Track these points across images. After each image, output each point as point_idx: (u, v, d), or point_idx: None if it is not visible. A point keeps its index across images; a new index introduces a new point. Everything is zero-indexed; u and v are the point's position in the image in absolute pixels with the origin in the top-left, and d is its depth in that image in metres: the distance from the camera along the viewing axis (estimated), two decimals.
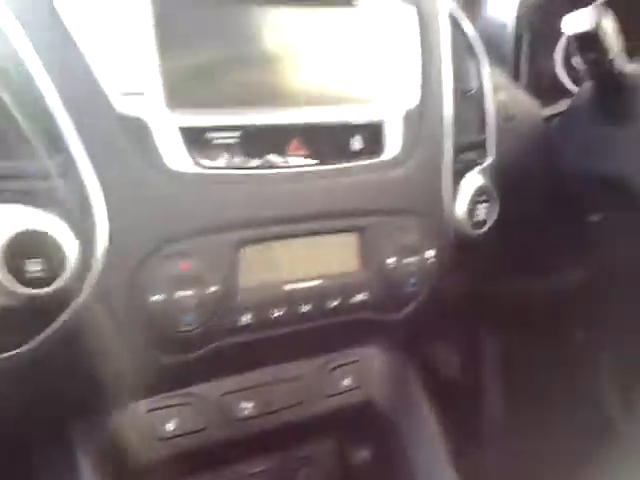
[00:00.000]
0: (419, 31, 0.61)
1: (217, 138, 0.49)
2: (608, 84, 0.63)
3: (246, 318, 0.50)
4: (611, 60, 0.60)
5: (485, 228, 0.62)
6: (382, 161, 0.55)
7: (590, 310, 1.00)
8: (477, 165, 0.63)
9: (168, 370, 0.52)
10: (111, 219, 0.45)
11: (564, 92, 0.82)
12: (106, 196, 0.45)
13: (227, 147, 0.49)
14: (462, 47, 0.66)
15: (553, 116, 0.75)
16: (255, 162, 0.51)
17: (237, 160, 0.50)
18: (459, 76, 0.64)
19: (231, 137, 0.49)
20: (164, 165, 0.47)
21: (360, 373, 0.67)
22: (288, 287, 0.52)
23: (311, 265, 0.53)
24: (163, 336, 0.48)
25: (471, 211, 0.61)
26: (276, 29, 0.54)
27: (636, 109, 0.65)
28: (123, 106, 0.46)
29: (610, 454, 0.97)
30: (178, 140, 0.47)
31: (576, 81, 0.82)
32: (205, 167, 0.48)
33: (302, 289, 0.52)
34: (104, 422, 0.56)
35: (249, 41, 0.52)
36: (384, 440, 0.70)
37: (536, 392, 1.05)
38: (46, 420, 0.55)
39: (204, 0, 0.51)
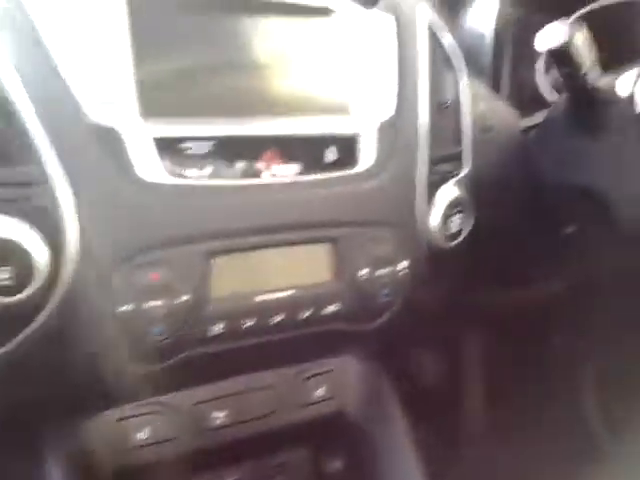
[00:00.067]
0: (397, 42, 0.61)
1: (190, 148, 0.49)
2: (582, 98, 0.64)
3: (217, 328, 0.50)
4: (584, 74, 0.60)
5: (459, 239, 0.63)
6: (356, 173, 0.55)
7: (570, 320, 1.01)
8: (452, 177, 0.63)
9: (139, 379, 0.51)
10: (82, 228, 0.45)
11: (545, 103, 0.83)
12: (77, 205, 0.45)
13: (200, 157, 0.49)
14: (440, 58, 0.66)
15: (531, 127, 0.76)
16: (228, 173, 0.51)
17: (210, 170, 0.50)
18: (436, 88, 0.64)
19: (205, 147, 0.49)
20: (136, 175, 0.47)
21: (334, 383, 0.67)
22: (260, 297, 0.52)
23: (283, 275, 0.53)
24: (132, 346, 0.47)
25: (445, 222, 0.61)
26: (252, 38, 0.54)
27: (609, 123, 0.66)
28: (96, 116, 0.46)
29: (592, 462, 0.98)
30: (151, 150, 0.47)
31: (559, 91, 0.82)
32: (178, 177, 0.48)
33: (274, 299, 0.52)
34: (75, 430, 0.56)
35: (224, 50, 0.53)
36: (357, 449, 0.70)
37: (517, 400, 1.06)
38: (16, 427, 0.55)
39: (180, 9, 0.51)
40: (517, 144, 0.73)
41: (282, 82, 0.55)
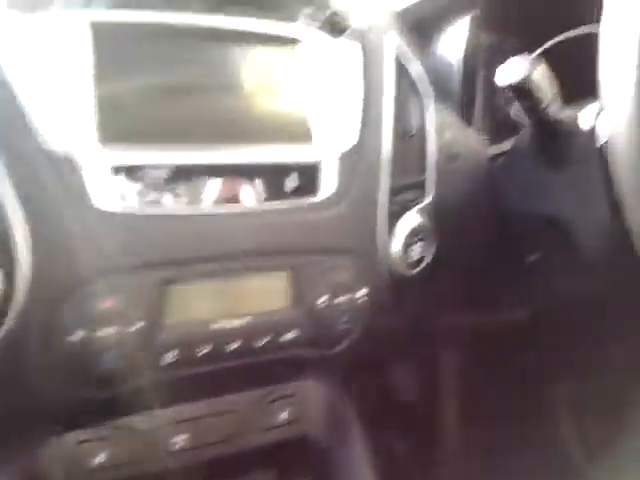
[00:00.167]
0: (362, 71, 0.62)
1: (148, 176, 0.49)
2: (544, 130, 0.65)
3: (171, 355, 0.51)
4: (545, 108, 0.61)
5: (421, 267, 0.63)
6: (316, 201, 0.56)
7: (541, 342, 1.02)
8: (415, 205, 0.64)
9: (94, 404, 0.52)
10: (34, 254, 0.45)
11: (516, 129, 0.84)
12: (30, 231, 0.45)
13: (158, 185, 0.50)
14: (407, 87, 0.67)
15: (498, 155, 0.77)
16: (185, 201, 0.51)
17: (167, 198, 0.50)
18: (402, 116, 0.65)
19: (162, 175, 0.50)
20: (91, 202, 0.47)
21: (298, 407, 0.68)
22: (215, 325, 0.52)
23: (240, 303, 0.53)
24: (83, 373, 0.48)
25: (406, 250, 0.62)
26: (214, 67, 0.55)
27: (571, 154, 0.67)
28: (53, 142, 0.46)
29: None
30: (107, 177, 0.48)
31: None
32: (133, 205, 0.49)
33: (230, 327, 0.53)
34: (31, 453, 0.56)
35: (186, 78, 0.53)
36: (320, 473, 0.71)
37: (490, 421, 1.06)
38: None
39: (143, 37, 0.52)
40: (484, 172, 0.74)
41: (244, 110, 0.55)
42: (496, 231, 0.76)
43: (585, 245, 0.68)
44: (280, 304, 0.55)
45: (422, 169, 0.67)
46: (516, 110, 0.67)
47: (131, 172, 0.49)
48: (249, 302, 0.54)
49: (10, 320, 0.45)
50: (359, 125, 0.60)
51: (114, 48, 0.49)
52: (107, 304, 0.47)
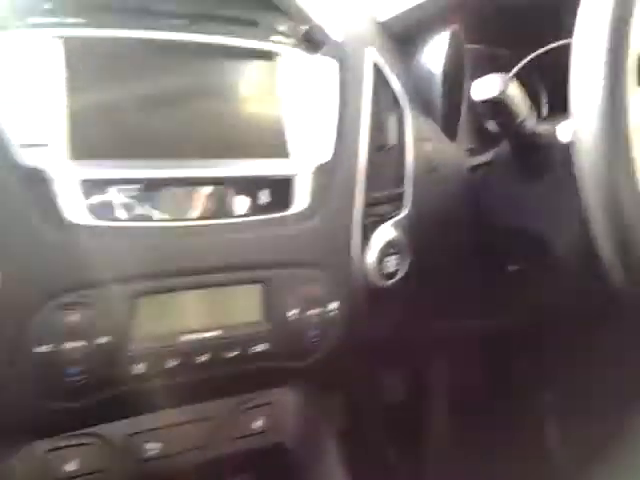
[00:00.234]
0: (339, 86, 0.62)
1: (118, 190, 0.50)
2: (521, 143, 0.65)
3: (138, 368, 0.51)
4: (521, 122, 0.62)
5: (396, 279, 0.64)
6: (289, 215, 0.57)
7: (526, 351, 1.03)
8: (391, 218, 0.64)
9: (63, 414, 0.52)
10: (3, 266, 0.46)
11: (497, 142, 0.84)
12: (1, 244, 0.45)
13: (128, 200, 0.50)
14: (386, 100, 0.68)
15: (479, 166, 0.77)
16: (156, 215, 0.51)
17: (137, 213, 0.51)
18: (379, 130, 0.66)
19: (133, 189, 0.50)
20: (61, 216, 0.48)
21: (272, 415, 0.68)
22: (184, 338, 0.52)
23: (210, 316, 0.54)
24: (50, 385, 0.48)
25: (380, 263, 0.62)
26: (188, 80, 0.55)
27: (550, 167, 0.67)
28: (24, 156, 0.47)
29: None
30: (77, 192, 0.48)
31: None
32: (103, 219, 0.49)
33: (199, 340, 0.53)
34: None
35: (159, 92, 0.54)
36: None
37: (475, 431, 1.07)
38: None
39: (116, 52, 0.52)
40: (463, 184, 0.74)
41: (217, 124, 0.56)
42: (476, 241, 0.76)
43: (563, 257, 0.68)
44: (251, 317, 0.55)
45: (399, 182, 0.67)
46: (493, 124, 0.67)
47: (101, 186, 0.49)
48: (219, 315, 0.54)
49: None
50: (334, 139, 0.60)
51: (86, 63, 0.50)
52: (75, 317, 0.48)
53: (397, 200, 0.66)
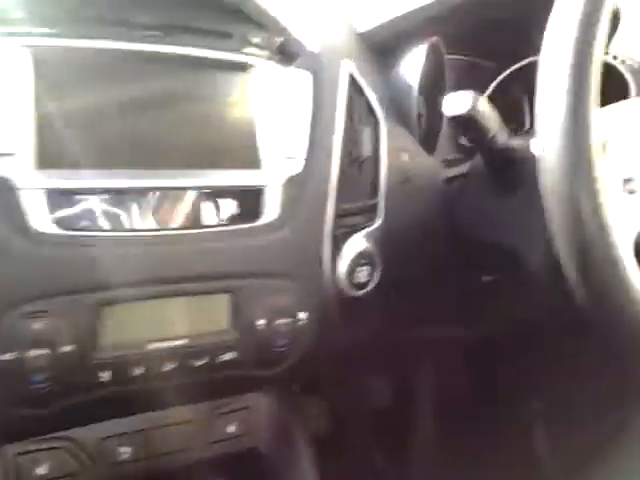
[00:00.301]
0: (312, 98, 0.63)
1: (85, 200, 0.50)
2: (493, 158, 0.66)
3: (104, 376, 0.52)
4: (492, 138, 0.62)
5: (367, 289, 0.64)
6: (258, 226, 0.57)
7: (510, 359, 1.03)
8: (363, 229, 0.65)
9: (31, 420, 0.53)
10: None
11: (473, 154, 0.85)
12: None
13: (94, 209, 0.51)
14: (361, 112, 0.68)
15: (454, 178, 0.78)
16: (123, 224, 0.52)
17: (104, 223, 0.51)
18: (354, 141, 0.67)
19: (100, 199, 0.51)
20: (27, 226, 0.48)
21: (247, 420, 0.69)
22: (151, 346, 0.53)
23: (178, 324, 0.55)
24: (15, 392, 0.49)
25: (351, 274, 0.63)
26: (160, 91, 0.56)
27: (523, 180, 0.68)
28: None
29: None
30: (44, 201, 0.49)
31: None
32: (70, 229, 0.50)
33: (165, 348, 0.54)
34: None
35: (129, 102, 0.54)
36: None
37: (462, 438, 1.08)
38: None
39: (85, 62, 0.53)
40: (438, 195, 0.75)
41: (188, 134, 0.56)
42: (450, 253, 0.77)
43: (534, 272, 0.69)
44: (219, 326, 0.56)
45: (373, 193, 0.68)
46: (465, 139, 0.68)
47: (68, 196, 0.50)
48: (187, 323, 0.55)
49: None
50: (306, 151, 0.61)
51: (55, 73, 0.50)
52: (40, 325, 0.48)
53: (370, 211, 0.66)
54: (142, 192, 0.52)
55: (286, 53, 0.63)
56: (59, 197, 0.49)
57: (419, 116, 0.76)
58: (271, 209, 0.58)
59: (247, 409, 0.69)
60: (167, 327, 0.54)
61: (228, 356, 0.56)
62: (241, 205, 0.57)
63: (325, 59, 0.66)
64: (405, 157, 0.73)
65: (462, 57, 0.95)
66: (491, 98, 0.86)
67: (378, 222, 0.66)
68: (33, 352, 0.48)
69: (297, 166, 0.60)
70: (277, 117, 0.61)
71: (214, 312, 0.56)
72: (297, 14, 0.68)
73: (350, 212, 0.64)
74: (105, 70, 0.53)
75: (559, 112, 0.48)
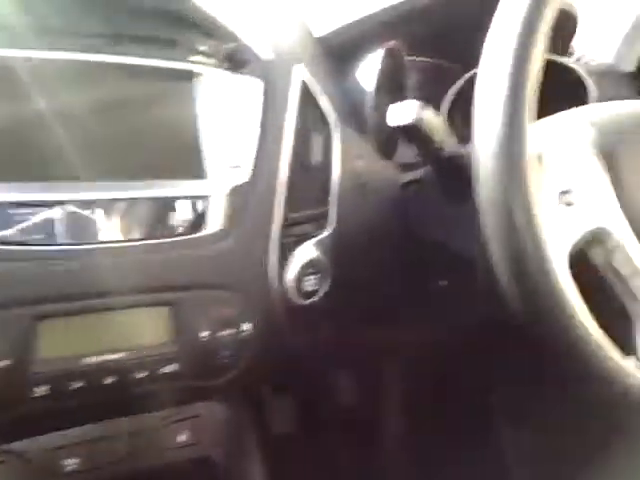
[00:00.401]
0: (262, 105, 0.63)
1: (21, 214, 0.50)
2: (442, 167, 0.66)
3: (41, 390, 0.51)
4: (439, 146, 0.62)
5: (316, 298, 0.64)
6: (200, 237, 0.57)
7: (472, 358, 1.04)
8: (312, 237, 0.65)
9: None
10: None
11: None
12: None
13: (28, 222, 0.50)
14: (314, 119, 0.68)
15: (410, 183, 0.78)
16: (61, 238, 0.52)
17: (40, 236, 0.51)
18: (305, 149, 0.66)
19: (36, 212, 0.50)
20: None
21: (198, 429, 0.69)
22: (89, 360, 0.53)
23: (117, 338, 0.54)
24: None
25: (299, 283, 0.62)
26: (101, 100, 0.55)
27: (471, 187, 0.68)
28: None
29: None
30: None
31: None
32: (3, 243, 0.49)
33: (104, 361, 0.53)
34: None
35: (71, 112, 0.53)
36: None
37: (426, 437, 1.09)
38: None
39: (25, 70, 0.52)
40: (394, 201, 0.75)
41: (128, 145, 0.56)
42: (406, 259, 0.77)
43: (486, 277, 0.69)
44: (160, 338, 0.56)
45: (324, 201, 0.67)
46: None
47: (2, 209, 0.49)
48: (127, 337, 0.55)
49: None
50: (254, 159, 0.61)
51: None
52: None
53: (320, 219, 0.66)
54: (81, 205, 0.52)
55: (235, 60, 0.63)
56: None
57: (373, 122, 0.75)
58: (215, 219, 0.58)
59: (198, 418, 0.68)
60: (105, 341, 0.54)
61: (170, 368, 0.56)
62: (183, 216, 0.56)
63: (276, 65, 0.66)
64: (360, 163, 0.72)
65: (428, 59, 0.94)
66: (455, 100, 0.87)
67: (329, 230, 0.66)
68: None
69: (243, 175, 0.60)
70: (225, 125, 0.61)
71: (155, 324, 0.56)
72: (249, 20, 0.67)
73: (299, 220, 0.64)
74: (46, 80, 0.52)
75: (494, 123, 0.48)
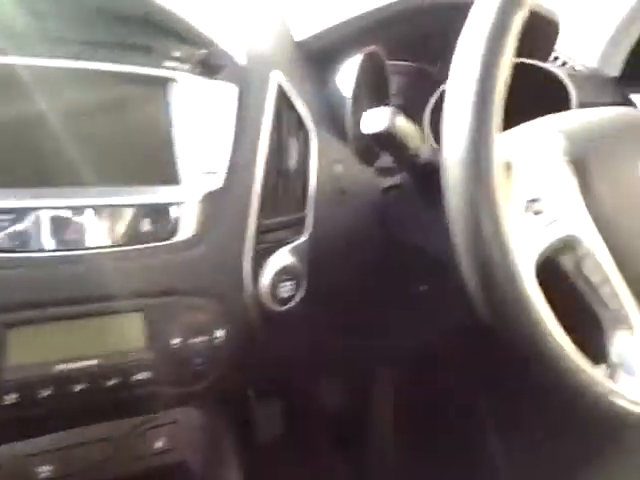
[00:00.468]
0: (236, 111, 0.63)
1: None
2: (417, 172, 0.66)
3: (10, 398, 0.51)
4: (414, 153, 0.62)
5: (292, 304, 0.64)
6: (172, 243, 0.57)
7: (455, 363, 1.04)
8: (289, 243, 0.65)
9: None
10: None
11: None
12: None
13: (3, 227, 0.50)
14: (291, 122, 0.68)
15: (390, 188, 0.78)
16: (29, 244, 0.51)
17: (8, 243, 0.51)
18: (281, 155, 0.66)
19: (4, 219, 0.50)
20: None
21: (174, 435, 0.69)
22: (58, 367, 0.53)
23: (87, 345, 0.54)
24: None
25: (274, 289, 0.62)
26: (75, 106, 0.55)
27: None
28: None
29: None
30: None
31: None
32: None
33: (74, 369, 0.53)
34: None
35: (43, 118, 0.53)
36: None
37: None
38: None
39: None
40: (374, 206, 0.74)
41: (102, 151, 0.56)
42: (387, 264, 0.77)
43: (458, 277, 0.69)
44: (131, 346, 0.56)
45: (302, 206, 0.67)
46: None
47: None
48: (97, 344, 0.54)
49: None
50: (227, 165, 0.61)
51: None
52: None
53: (297, 225, 0.66)
54: (49, 212, 0.52)
55: (210, 66, 0.63)
56: None
57: (352, 127, 0.75)
58: (187, 226, 0.57)
59: (175, 424, 0.68)
60: (76, 348, 0.54)
61: (142, 375, 0.56)
62: (156, 222, 0.56)
63: (253, 70, 0.66)
64: (339, 168, 0.72)
65: (411, 63, 0.94)
66: (438, 106, 0.87)
67: (306, 236, 0.66)
68: None
69: (217, 181, 0.60)
70: (200, 131, 0.60)
71: (126, 332, 0.55)
72: (225, 25, 0.67)
73: (274, 227, 0.63)
74: (19, 87, 0.52)
75: (461, 130, 0.48)
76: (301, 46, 0.76)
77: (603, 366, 0.52)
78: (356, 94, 0.74)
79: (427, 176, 0.67)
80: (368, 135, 0.59)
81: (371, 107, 0.77)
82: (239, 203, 0.61)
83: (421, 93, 0.91)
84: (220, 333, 0.59)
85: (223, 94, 0.62)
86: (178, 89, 0.60)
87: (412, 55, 0.94)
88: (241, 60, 0.65)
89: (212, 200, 0.59)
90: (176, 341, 0.57)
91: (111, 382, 0.55)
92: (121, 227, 0.55)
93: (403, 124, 0.59)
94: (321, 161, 0.69)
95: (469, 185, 0.47)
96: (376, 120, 0.58)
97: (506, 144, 0.53)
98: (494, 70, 0.48)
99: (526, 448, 1.08)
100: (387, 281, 0.76)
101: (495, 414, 1.13)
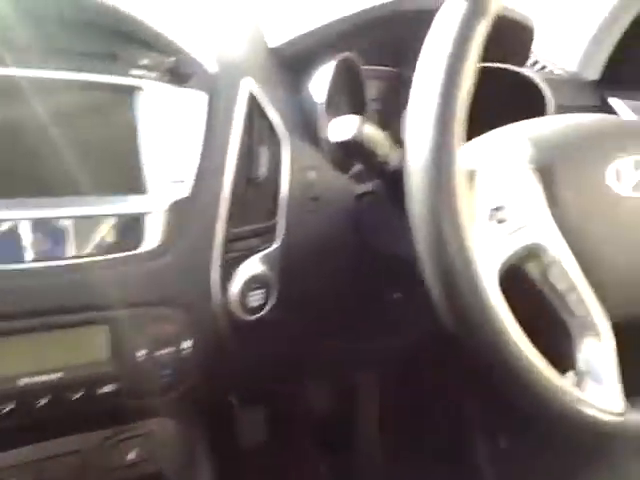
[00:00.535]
0: (205, 119, 0.62)
1: None
2: (387, 179, 0.65)
3: None
4: (383, 160, 0.62)
5: (262, 313, 0.64)
6: (137, 254, 0.56)
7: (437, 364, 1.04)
8: (259, 251, 0.64)
9: None
10: None
11: None
12: None
13: None
14: (261, 131, 0.67)
15: (364, 194, 0.77)
16: None
17: None
18: (251, 162, 0.65)
19: None
20: None
21: (148, 446, 0.68)
22: (21, 381, 0.52)
23: (51, 358, 0.53)
24: None
25: (244, 298, 0.62)
26: (39, 115, 0.54)
27: None
28: None
29: None
30: None
31: None
32: None
33: (37, 383, 0.53)
34: None
35: (4, 128, 0.53)
36: None
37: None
38: None
39: None
40: (348, 213, 0.74)
41: (66, 161, 0.55)
42: (361, 270, 0.76)
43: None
44: (95, 358, 0.55)
45: (272, 214, 0.67)
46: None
47: None
48: (61, 357, 0.54)
49: None
50: (195, 174, 0.60)
51: None
52: None
53: (268, 233, 0.65)
54: (12, 223, 0.51)
55: (178, 74, 0.62)
56: None
57: (324, 134, 0.75)
58: (153, 236, 0.57)
59: (148, 434, 0.68)
60: (39, 361, 0.53)
61: (108, 388, 0.55)
62: (121, 233, 0.56)
63: (223, 77, 0.65)
64: (312, 175, 0.72)
65: (389, 68, 0.94)
66: None
67: (277, 243, 0.65)
68: None
69: (184, 190, 0.59)
70: (168, 140, 0.60)
71: (91, 344, 0.55)
72: (195, 32, 0.67)
73: (244, 235, 0.63)
74: None
75: (424, 137, 0.47)
76: (275, 52, 0.75)
77: (571, 374, 0.51)
78: (330, 100, 0.73)
79: (397, 183, 0.67)
80: (336, 143, 0.59)
81: (346, 113, 0.77)
82: (206, 212, 0.60)
83: (401, 98, 0.91)
84: (187, 344, 0.58)
85: (192, 102, 0.62)
86: (145, 97, 0.59)
87: (392, 60, 0.93)
88: (211, 67, 0.65)
89: (179, 209, 0.58)
90: (142, 353, 0.56)
91: (77, 395, 0.55)
92: (85, 238, 0.55)
93: (371, 132, 0.59)
94: (293, 168, 0.69)
95: (430, 192, 0.47)
96: (343, 128, 0.58)
97: (471, 152, 0.53)
98: (456, 78, 0.48)
99: (512, 448, 1.07)
100: (361, 288, 0.76)
101: (481, 414, 1.13)
